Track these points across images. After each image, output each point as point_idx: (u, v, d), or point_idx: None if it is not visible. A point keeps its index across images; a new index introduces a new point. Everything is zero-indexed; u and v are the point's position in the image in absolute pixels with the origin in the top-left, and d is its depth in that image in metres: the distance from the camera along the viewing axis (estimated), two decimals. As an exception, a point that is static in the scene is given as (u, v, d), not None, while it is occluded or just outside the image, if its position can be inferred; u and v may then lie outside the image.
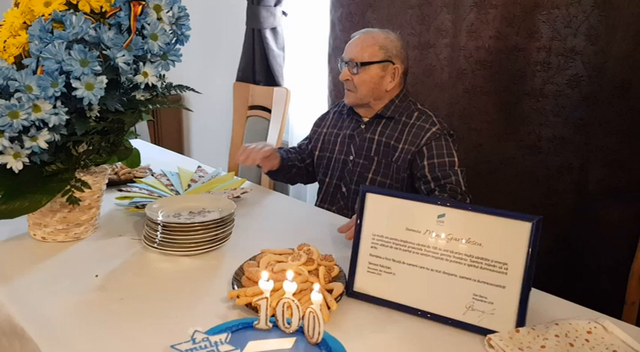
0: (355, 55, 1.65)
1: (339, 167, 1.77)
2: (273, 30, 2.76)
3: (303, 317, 0.84)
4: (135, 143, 1.38)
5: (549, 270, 1.86)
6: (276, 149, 1.79)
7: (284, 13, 2.78)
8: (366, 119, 1.73)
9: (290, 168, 1.82)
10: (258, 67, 2.81)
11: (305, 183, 1.97)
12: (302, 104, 2.79)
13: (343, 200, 1.73)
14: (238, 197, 1.60)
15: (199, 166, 1.89)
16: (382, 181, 1.66)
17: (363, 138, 1.71)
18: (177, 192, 1.60)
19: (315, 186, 1.89)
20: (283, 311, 0.86)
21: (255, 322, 0.87)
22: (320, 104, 2.61)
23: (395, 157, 1.64)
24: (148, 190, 1.58)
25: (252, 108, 2.78)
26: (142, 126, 3.27)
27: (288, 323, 0.86)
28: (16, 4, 1.18)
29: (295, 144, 1.98)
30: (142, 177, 1.71)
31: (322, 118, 1.91)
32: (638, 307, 1.65)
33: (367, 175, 1.69)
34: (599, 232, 1.83)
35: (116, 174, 1.71)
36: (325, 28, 2.50)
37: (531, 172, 1.93)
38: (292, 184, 2.00)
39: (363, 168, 1.70)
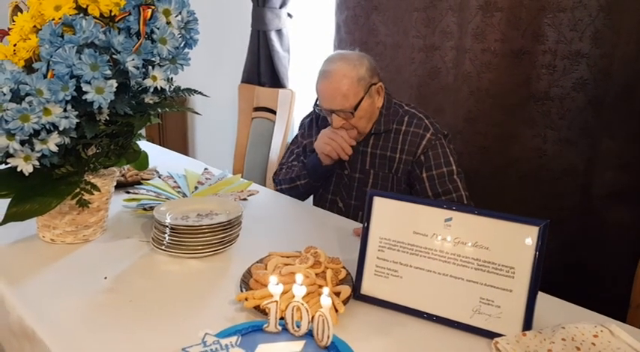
0: (341, 105, 1.55)
1: (333, 181, 1.73)
2: (279, 32, 2.77)
3: (312, 320, 0.85)
4: (141, 145, 1.39)
5: (553, 273, 1.86)
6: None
7: (289, 15, 2.79)
8: None
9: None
10: (263, 68, 2.81)
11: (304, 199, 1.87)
12: (307, 106, 2.79)
13: (340, 215, 1.67)
14: (245, 199, 1.61)
15: (206, 168, 1.90)
16: None
17: (356, 150, 1.65)
18: (184, 194, 1.61)
19: None
20: (292, 314, 0.86)
21: (265, 325, 0.88)
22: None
23: (394, 168, 1.61)
24: (155, 192, 1.59)
25: (257, 109, 2.79)
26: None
27: (298, 327, 0.86)
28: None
29: None
30: (149, 179, 1.73)
31: (309, 127, 1.82)
32: (643, 310, 1.65)
33: (365, 190, 1.64)
34: (603, 235, 1.83)
35: (123, 176, 1.72)
36: (330, 30, 2.51)
37: (536, 175, 1.93)
38: (302, 199, 1.83)
39: (361, 183, 1.67)
